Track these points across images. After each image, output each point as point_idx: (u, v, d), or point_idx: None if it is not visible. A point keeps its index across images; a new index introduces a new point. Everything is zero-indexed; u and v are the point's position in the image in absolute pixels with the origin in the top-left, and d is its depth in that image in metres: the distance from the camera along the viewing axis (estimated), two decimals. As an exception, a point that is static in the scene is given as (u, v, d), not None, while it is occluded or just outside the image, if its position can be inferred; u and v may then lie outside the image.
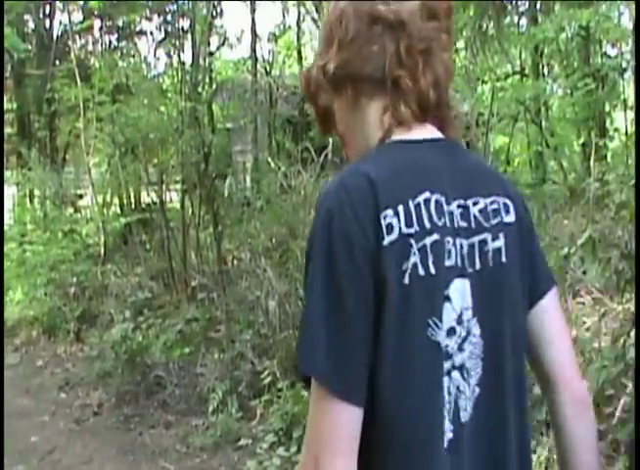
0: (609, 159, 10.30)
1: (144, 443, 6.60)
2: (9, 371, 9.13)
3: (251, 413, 6.44)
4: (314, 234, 1.50)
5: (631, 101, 9.67)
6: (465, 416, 1.55)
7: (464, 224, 1.57)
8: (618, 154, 9.90)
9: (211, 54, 12.74)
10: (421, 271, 1.47)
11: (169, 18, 17.08)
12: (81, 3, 16.67)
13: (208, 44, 12.80)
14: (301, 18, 15.74)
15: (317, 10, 14.94)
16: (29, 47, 17.36)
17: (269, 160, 11.20)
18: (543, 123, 10.99)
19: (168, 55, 16.21)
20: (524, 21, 13.21)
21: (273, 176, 10.62)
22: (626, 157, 8.35)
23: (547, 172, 11.13)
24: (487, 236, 1.60)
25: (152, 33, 17.67)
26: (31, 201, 14.78)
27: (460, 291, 1.54)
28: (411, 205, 1.50)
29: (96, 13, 16.41)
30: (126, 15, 15.72)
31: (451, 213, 1.55)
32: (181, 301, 8.91)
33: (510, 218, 1.65)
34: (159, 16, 17.29)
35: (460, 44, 13.85)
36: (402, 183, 1.52)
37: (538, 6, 12.48)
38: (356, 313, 1.44)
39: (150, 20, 17.57)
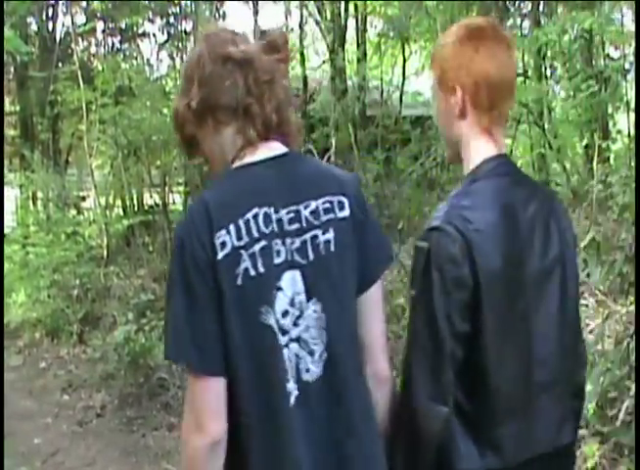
0: (612, 161, 10.28)
1: (147, 445, 6.61)
2: (12, 373, 9.14)
3: (254, 416, 6.44)
4: (173, 256, 1.95)
5: (634, 103, 9.68)
6: (310, 376, 1.96)
7: (295, 226, 1.97)
8: (621, 156, 9.86)
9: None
10: (252, 273, 1.90)
11: (172, 20, 17.07)
12: (84, 5, 16.68)
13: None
14: (304, 20, 15.69)
15: (320, 12, 14.92)
16: (32, 49, 17.42)
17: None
18: (546, 126, 10.95)
19: (171, 57, 16.19)
20: (526, 23, 13.21)
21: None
22: (629, 159, 8.33)
23: (550, 174, 11.09)
24: (318, 232, 1.99)
25: (154, 35, 17.68)
26: (34, 203, 14.78)
27: (290, 280, 1.96)
28: (241, 222, 1.91)
29: (99, 15, 16.42)
30: (129, 17, 15.67)
31: (280, 220, 1.96)
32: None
33: (344, 213, 2.02)
34: (161, 18, 17.25)
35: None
36: (234, 205, 1.94)
37: (541, 8, 12.47)
38: (208, 314, 1.89)
39: (152, 22, 17.55)
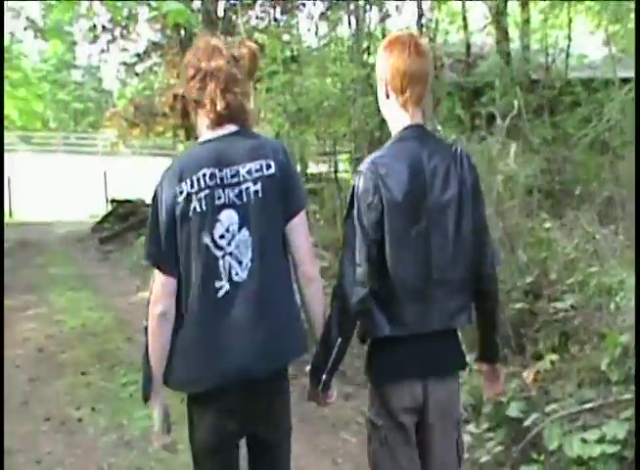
0: None
1: (323, 414, 6.33)
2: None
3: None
4: (153, 196, 3.01)
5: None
6: (239, 278, 2.93)
7: (235, 180, 2.95)
8: None
9: (383, 20, 12.27)
10: (198, 209, 2.90)
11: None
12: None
13: (381, 9, 12.36)
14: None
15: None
16: (196, 24, 17.55)
17: (439, 127, 10.70)
18: None
19: (331, 27, 15.92)
20: None
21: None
22: None
23: None
24: (250, 184, 2.95)
25: (314, 4, 17.50)
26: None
27: (227, 216, 2.93)
28: (194, 177, 2.92)
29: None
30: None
31: (222, 177, 2.94)
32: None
33: (270, 171, 2.98)
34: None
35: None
36: (192, 166, 2.95)
37: None
38: (169, 234, 2.93)
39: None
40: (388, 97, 3.15)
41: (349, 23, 11.37)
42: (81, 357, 8.57)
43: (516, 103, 8.32)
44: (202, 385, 3.01)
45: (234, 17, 16.94)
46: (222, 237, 2.92)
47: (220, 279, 2.92)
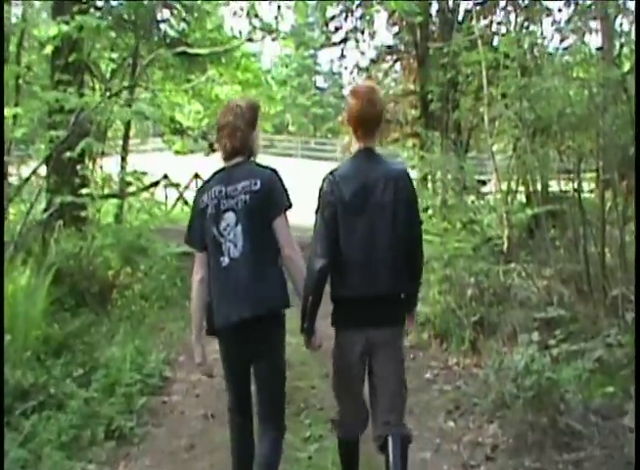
0: None
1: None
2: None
3: None
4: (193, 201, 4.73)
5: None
6: (234, 255, 4.30)
7: (234, 193, 4.33)
8: None
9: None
10: (210, 212, 4.39)
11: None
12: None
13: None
14: None
15: None
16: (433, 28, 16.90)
17: None
18: None
19: (582, 31, 14.18)
20: None
21: None
22: None
23: None
24: (243, 196, 4.31)
25: (560, 10, 15.92)
26: (433, 184, 13.22)
27: (228, 216, 4.33)
28: (210, 192, 4.42)
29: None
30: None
31: (227, 191, 4.35)
32: (598, 315, 6.76)
33: (256, 188, 4.31)
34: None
35: None
36: (211, 185, 4.47)
37: None
38: (198, 225, 4.50)
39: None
40: (349, 130, 4.45)
41: (597, 30, 9.56)
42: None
43: None
44: (215, 325, 4.42)
45: (472, 21, 15.52)
46: (225, 229, 4.34)
47: (223, 256, 4.33)
